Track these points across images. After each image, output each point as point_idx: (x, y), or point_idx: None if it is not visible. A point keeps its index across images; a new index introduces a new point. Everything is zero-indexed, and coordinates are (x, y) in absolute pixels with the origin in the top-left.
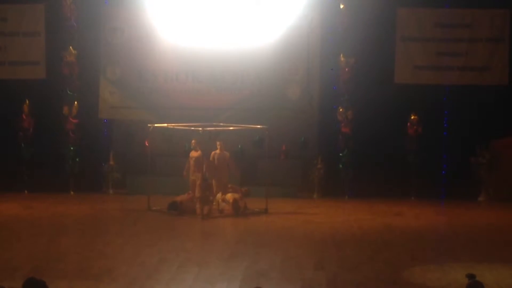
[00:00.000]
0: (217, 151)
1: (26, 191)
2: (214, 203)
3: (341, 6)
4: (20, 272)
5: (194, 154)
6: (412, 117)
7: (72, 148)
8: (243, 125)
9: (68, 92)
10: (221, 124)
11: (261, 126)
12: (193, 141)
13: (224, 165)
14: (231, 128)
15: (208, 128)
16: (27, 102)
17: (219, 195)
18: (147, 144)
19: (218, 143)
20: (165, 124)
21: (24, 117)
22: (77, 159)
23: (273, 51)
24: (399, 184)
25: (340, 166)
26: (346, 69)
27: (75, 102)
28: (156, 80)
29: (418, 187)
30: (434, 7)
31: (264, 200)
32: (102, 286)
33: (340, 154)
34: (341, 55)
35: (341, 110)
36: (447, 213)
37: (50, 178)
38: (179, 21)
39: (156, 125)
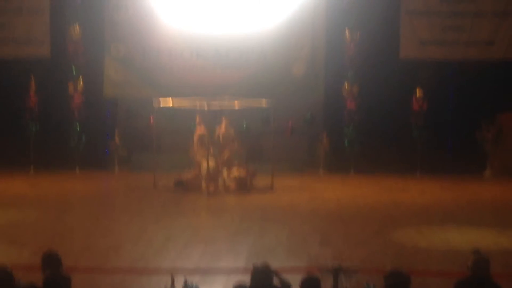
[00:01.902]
0: (222, 127)
1: (31, 169)
2: (219, 180)
3: None
4: (26, 249)
5: (198, 130)
6: (418, 92)
7: (77, 126)
8: (248, 101)
9: (73, 70)
10: (226, 100)
11: (266, 103)
12: (197, 117)
13: (229, 142)
14: (236, 105)
15: (213, 102)
16: (33, 81)
17: (224, 172)
18: (152, 121)
19: (223, 119)
20: (170, 100)
21: (31, 95)
22: (82, 137)
23: (278, 27)
24: (405, 160)
25: (346, 141)
26: (352, 45)
27: (80, 80)
28: (161, 57)
29: (424, 162)
30: None
31: (269, 177)
32: (109, 264)
33: (346, 130)
34: (347, 30)
35: (346, 85)
36: (452, 188)
37: (55, 156)
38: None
39: (161, 101)
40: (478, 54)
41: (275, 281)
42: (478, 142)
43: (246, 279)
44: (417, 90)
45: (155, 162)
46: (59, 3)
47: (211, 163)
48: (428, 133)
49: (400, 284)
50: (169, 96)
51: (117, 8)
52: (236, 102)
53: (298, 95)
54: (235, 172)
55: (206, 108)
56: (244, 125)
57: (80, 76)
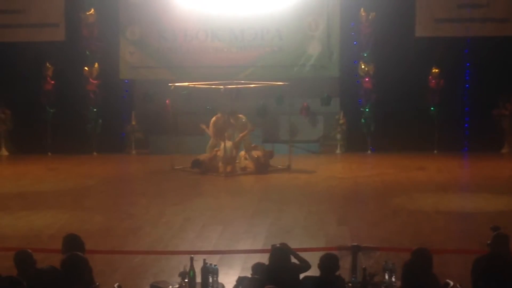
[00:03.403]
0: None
1: (49, 153)
2: (237, 161)
3: None
4: (46, 233)
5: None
6: (434, 71)
7: (94, 110)
8: (264, 82)
9: (87, 53)
10: (242, 81)
11: (282, 83)
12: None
13: (243, 126)
14: (252, 85)
15: (229, 86)
16: (49, 65)
17: (242, 153)
18: (168, 103)
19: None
20: (186, 83)
21: (49, 80)
22: (99, 120)
23: (293, 7)
24: (422, 138)
25: (362, 121)
26: (367, 24)
27: (96, 63)
28: (176, 39)
29: (441, 141)
30: None
31: (287, 157)
32: (128, 246)
33: (362, 109)
34: (362, 10)
35: (362, 65)
36: (470, 165)
37: (73, 140)
38: None
39: (177, 84)
40: (494, 31)
41: (294, 261)
42: (495, 119)
43: (265, 259)
44: (433, 68)
45: (172, 144)
46: None
47: (228, 145)
48: (445, 111)
49: (424, 259)
50: (184, 77)
51: None
52: (251, 83)
53: (313, 75)
54: (253, 152)
55: (222, 90)
56: (261, 104)
57: (96, 60)
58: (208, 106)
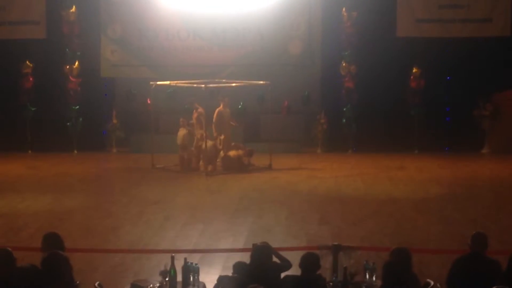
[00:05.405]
0: (221, 108)
1: (30, 151)
2: (218, 160)
3: None
4: (25, 231)
5: (196, 112)
6: (415, 71)
7: (74, 108)
8: (245, 81)
9: (68, 51)
10: (223, 80)
11: (263, 82)
12: (196, 105)
13: (227, 122)
14: (233, 84)
15: (211, 85)
16: (29, 63)
17: (222, 152)
18: (149, 102)
19: (222, 101)
20: (167, 82)
21: (29, 77)
22: (80, 119)
23: (274, 6)
24: (403, 138)
25: (344, 120)
26: (348, 24)
27: (76, 61)
28: (157, 37)
29: (421, 141)
30: None
31: (268, 156)
32: (108, 245)
33: (344, 109)
34: (343, 9)
35: (344, 64)
36: (450, 165)
37: (53, 138)
38: None
39: (158, 82)
40: (475, 31)
41: (275, 260)
42: (475, 120)
43: (246, 258)
44: (414, 68)
45: (153, 143)
46: None
47: (209, 144)
48: (425, 111)
49: (403, 259)
50: (166, 76)
51: None
52: (232, 82)
53: (295, 74)
54: (233, 151)
55: (203, 89)
56: (241, 104)
57: (76, 58)
58: (186, 105)
